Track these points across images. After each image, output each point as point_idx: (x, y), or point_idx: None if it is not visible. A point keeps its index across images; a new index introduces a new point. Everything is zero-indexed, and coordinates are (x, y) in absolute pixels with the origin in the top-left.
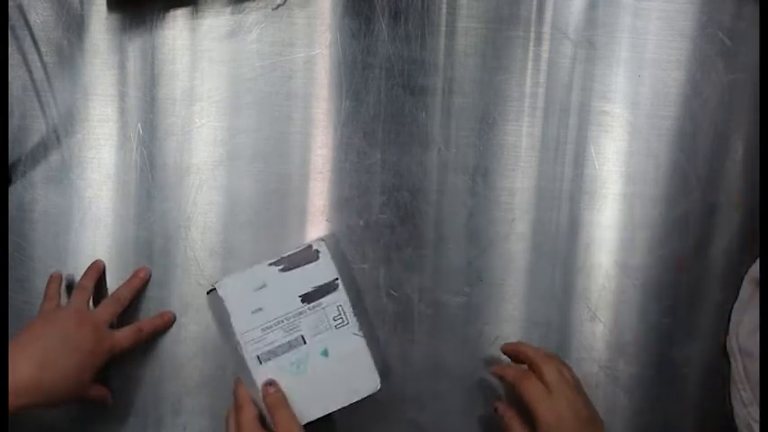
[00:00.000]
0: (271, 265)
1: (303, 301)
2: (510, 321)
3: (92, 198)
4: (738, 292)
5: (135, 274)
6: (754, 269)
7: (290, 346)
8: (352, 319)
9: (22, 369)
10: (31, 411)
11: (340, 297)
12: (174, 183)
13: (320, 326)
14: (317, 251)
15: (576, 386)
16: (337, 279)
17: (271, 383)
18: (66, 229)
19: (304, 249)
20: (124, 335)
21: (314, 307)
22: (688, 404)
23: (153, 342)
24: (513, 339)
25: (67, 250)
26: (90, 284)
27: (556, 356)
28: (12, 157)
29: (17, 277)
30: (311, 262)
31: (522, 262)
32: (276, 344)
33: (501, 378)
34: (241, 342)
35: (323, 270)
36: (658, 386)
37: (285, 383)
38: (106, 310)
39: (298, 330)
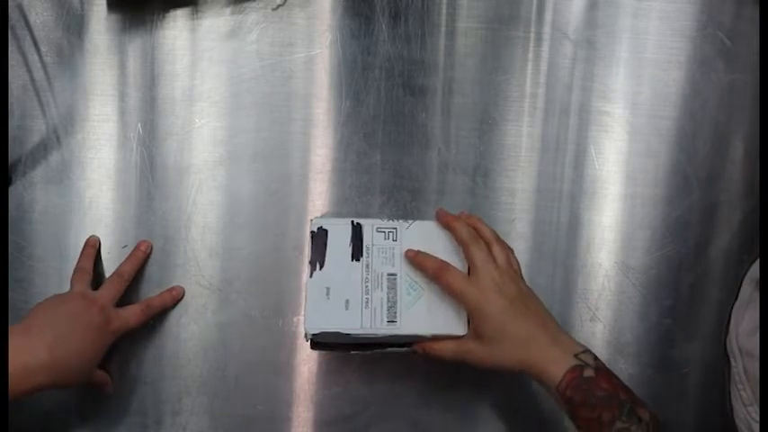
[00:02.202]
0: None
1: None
2: None
3: (92, 198)
4: (738, 292)
5: (137, 248)
6: (754, 269)
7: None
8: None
9: (35, 349)
10: (44, 391)
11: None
12: (174, 183)
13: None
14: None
15: (506, 265)
16: None
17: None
18: (66, 229)
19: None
20: (132, 312)
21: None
22: (688, 404)
23: (153, 342)
24: None
25: (67, 250)
26: (89, 264)
27: (490, 236)
28: (12, 157)
29: (17, 277)
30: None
31: (523, 262)
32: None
33: (420, 269)
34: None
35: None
36: (658, 386)
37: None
38: (111, 289)
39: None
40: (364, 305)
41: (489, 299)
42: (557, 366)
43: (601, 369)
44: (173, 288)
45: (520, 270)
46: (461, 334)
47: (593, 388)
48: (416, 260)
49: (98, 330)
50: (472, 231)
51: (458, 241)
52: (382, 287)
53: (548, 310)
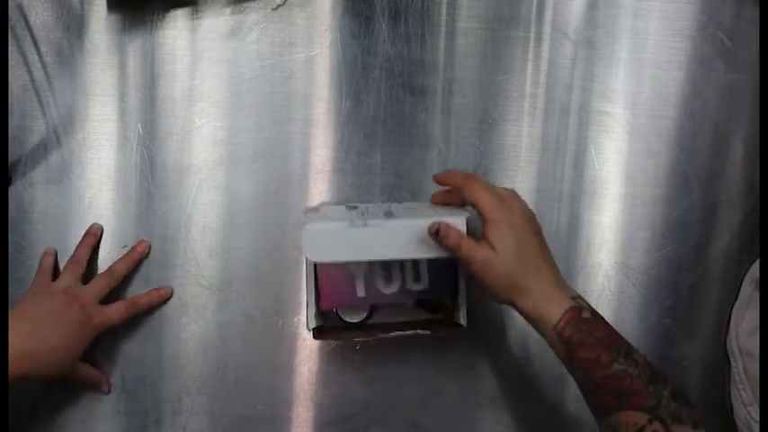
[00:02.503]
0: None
1: None
2: (511, 320)
3: (92, 198)
4: (738, 292)
5: (134, 248)
6: (754, 269)
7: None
8: None
9: (12, 339)
10: (21, 382)
11: None
12: (174, 183)
13: None
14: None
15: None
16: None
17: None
18: (67, 229)
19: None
20: (116, 309)
21: None
22: None
23: (153, 342)
24: (518, 345)
25: (67, 250)
26: (85, 254)
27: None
28: (12, 157)
29: (17, 277)
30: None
31: None
32: None
33: (446, 183)
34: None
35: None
36: None
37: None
38: (98, 285)
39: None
40: (360, 215)
41: (511, 214)
42: (556, 306)
43: (597, 314)
44: (161, 288)
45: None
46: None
47: (592, 329)
48: (444, 178)
49: (78, 326)
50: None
51: (471, 187)
52: (378, 215)
53: (546, 245)
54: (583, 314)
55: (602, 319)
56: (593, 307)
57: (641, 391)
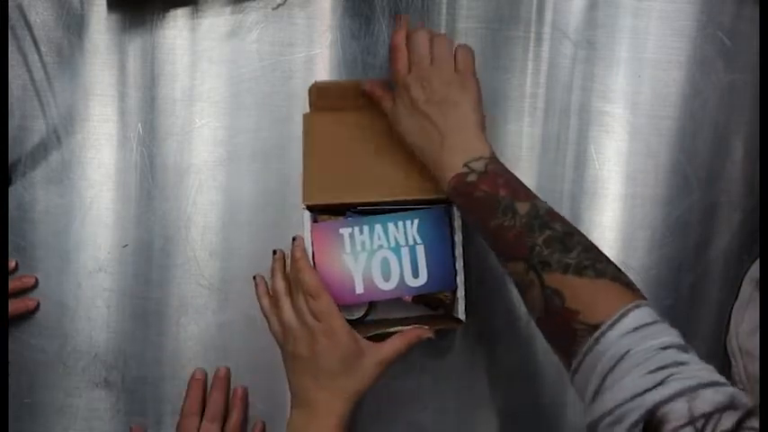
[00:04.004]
0: None
1: None
2: (511, 321)
3: (92, 198)
4: (738, 292)
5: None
6: (754, 269)
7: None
8: None
9: None
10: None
11: None
12: (174, 183)
13: None
14: None
15: (440, 65)
16: None
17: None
18: (67, 230)
19: None
20: None
21: None
22: None
23: (153, 342)
24: (518, 343)
25: (68, 250)
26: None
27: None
28: (12, 157)
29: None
30: None
31: None
32: None
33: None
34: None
35: None
36: None
37: None
38: None
39: None
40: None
41: (402, 94)
42: (444, 173)
43: (488, 173)
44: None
45: (470, 65)
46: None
47: (472, 191)
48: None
49: None
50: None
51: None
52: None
53: (467, 113)
54: (468, 179)
55: (495, 174)
56: (487, 168)
57: (519, 242)
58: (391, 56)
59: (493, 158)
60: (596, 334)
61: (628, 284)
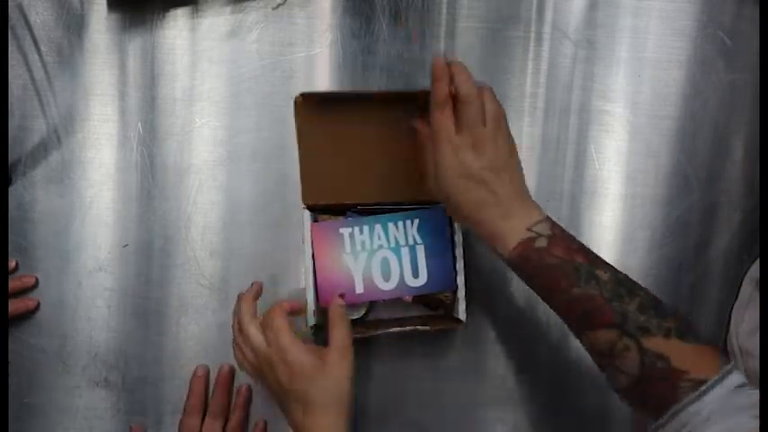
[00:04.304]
0: None
1: None
2: (511, 321)
3: (92, 198)
4: (738, 292)
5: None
6: (754, 269)
7: None
8: None
9: None
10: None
11: None
12: (174, 183)
13: None
14: None
15: (494, 131)
16: None
17: (341, 295)
18: (67, 229)
19: None
20: None
21: None
22: None
23: (153, 342)
24: (518, 343)
25: (68, 250)
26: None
27: (487, 89)
28: (12, 157)
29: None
30: None
31: None
32: None
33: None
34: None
35: None
36: None
37: None
38: None
39: None
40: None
41: (449, 153)
42: (507, 240)
43: (556, 237)
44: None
45: (506, 127)
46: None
47: (546, 257)
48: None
49: None
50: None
51: (454, 95)
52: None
53: (509, 178)
54: (536, 244)
55: (564, 238)
56: (553, 232)
57: (605, 310)
58: (436, 111)
59: (549, 219)
60: (703, 388)
61: (719, 349)
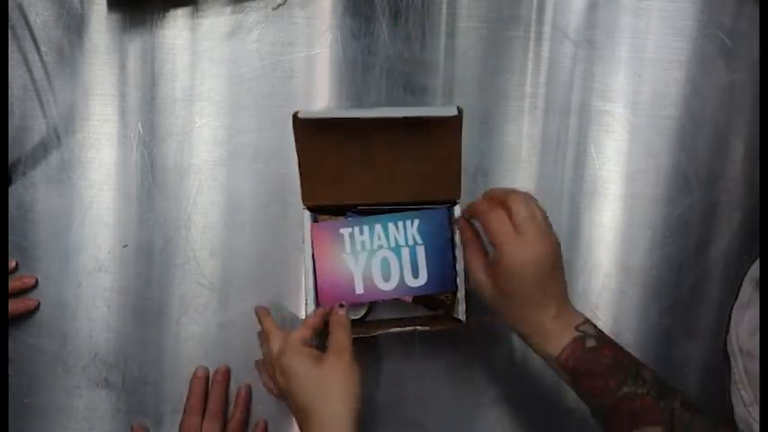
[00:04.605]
0: None
1: None
2: None
3: (92, 198)
4: (738, 292)
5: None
6: (754, 269)
7: None
8: None
9: None
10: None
11: None
12: (174, 183)
13: None
14: None
15: (547, 230)
16: None
17: (342, 305)
18: (67, 229)
19: None
20: None
21: None
22: None
23: (153, 342)
24: (518, 344)
25: (68, 250)
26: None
27: (530, 195)
28: (12, 157)
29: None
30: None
31: None
32: None
33: (469, 215)
34: None
35: None
36: None
37: None
38: None
39: None
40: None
41: (528, 264)
42: (557, 340)
43: (603, 338)
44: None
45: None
46: (452, 114)
47: (598, 357)
48: (474, 209)
49: None
50: (513, 189)
51: (497, 199)
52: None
53: (558, 278)
54: (587, 344)
55: (609, 340)
56: (598, 333)
57: (654, 408)
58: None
59: (589, 320)
60: None
61: None
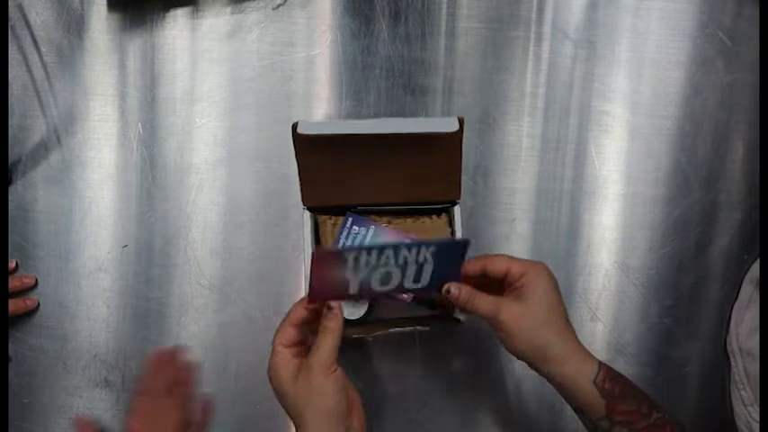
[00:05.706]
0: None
1: None
2: None
3: (92, 198)
4: (738, 292)
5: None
6: (754, 269)
7: None
8: None
9: None
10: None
11: None
12: (175, 183)
13: None
14: None
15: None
16: None
17: (330, 307)
18: (67, 229)
19: None
20: None
21: None
22: (688, 404)
23: (153, 342)
24: None
25: (68, 250)
26: None
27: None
28: (12, 157)
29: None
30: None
31: None
32: None
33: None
34: None
35: None
36: (658, 386)
37: None
38: None
39: None
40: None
41: (542, 277)
42: (590, 362)
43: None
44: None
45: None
46: (454, 129)
47: (626, 381)
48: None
49: None
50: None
51: (495, 259)
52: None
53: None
54: (612, 367)
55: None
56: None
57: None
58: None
59: None
60: None
61: None
